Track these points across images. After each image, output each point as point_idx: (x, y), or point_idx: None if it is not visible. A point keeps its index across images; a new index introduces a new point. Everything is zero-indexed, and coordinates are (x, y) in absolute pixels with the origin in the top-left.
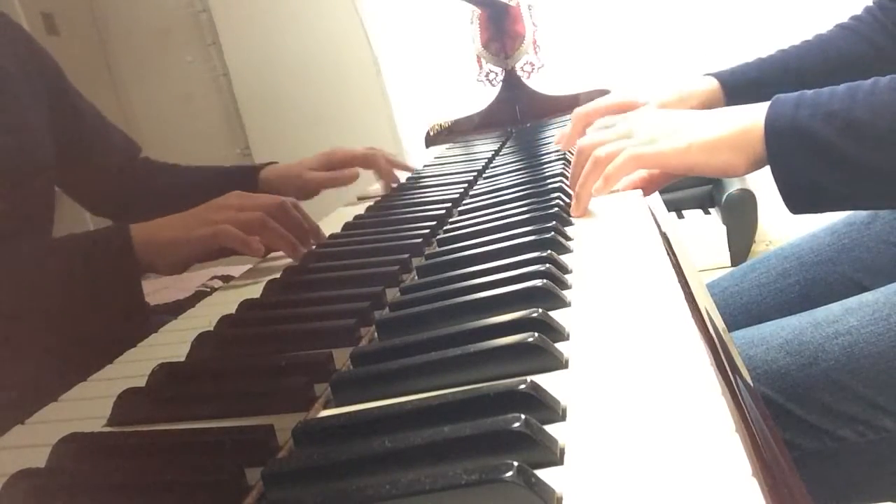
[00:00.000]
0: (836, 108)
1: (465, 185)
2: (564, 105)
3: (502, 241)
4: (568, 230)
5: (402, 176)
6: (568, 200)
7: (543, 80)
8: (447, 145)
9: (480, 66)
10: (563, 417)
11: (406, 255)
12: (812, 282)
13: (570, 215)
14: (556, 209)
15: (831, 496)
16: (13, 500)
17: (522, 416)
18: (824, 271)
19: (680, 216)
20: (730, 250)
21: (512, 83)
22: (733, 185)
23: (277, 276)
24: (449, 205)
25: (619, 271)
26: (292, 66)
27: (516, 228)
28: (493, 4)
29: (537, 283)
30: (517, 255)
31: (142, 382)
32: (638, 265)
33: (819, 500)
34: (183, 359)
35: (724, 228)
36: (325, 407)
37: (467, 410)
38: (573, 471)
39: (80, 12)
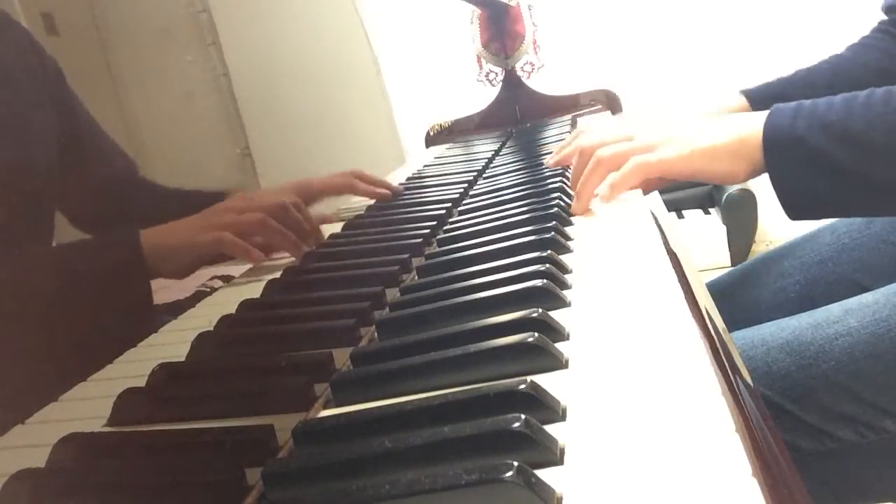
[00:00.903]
0: (832, 118)
1: (465, 185)
2: (564, 105)
3: (502, 241)
4: (568, 230)
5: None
6: (568, 200)
7: (543, 80)
8: (447, 145)
9: (480, 66)
10: (563, 417)
11: (406, 255)
12: (812, 282)
13: (570, 215)
14: (556, 209)
15: (831, 496)
16: (13, 500)
17: (522, 416)
18: (824, 271)
19: (680, 216)
20: (730, 250)
21: (512, 83)
22: (733, 185)
23: (277, 276)
24: (449, 205)
25: (619, 271)
26: (292, 66)
27: (516, 228)
28: (493, 4)
29: (537, 283)
30: (517, 255)
31: (142, 382)
32: (638, 265)
33: (819, 500)
34: (183, 359)
35: (724, 228)
36: (325, 407)
37: (467, 410)
38: (573, 471)
39: (80, 12)
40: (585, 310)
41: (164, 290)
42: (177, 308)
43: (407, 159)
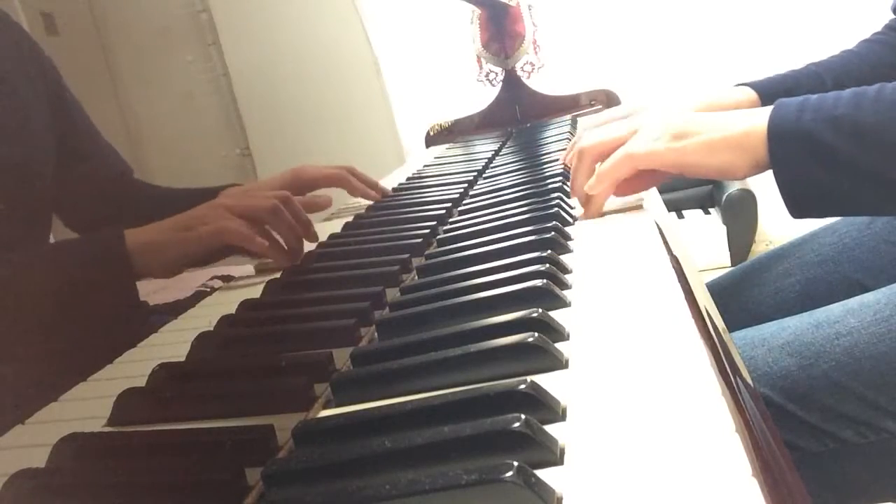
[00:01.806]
0: (841, 112)
1: (465, 185)
2: (564, 105)
3: (502, 241)
4: (568, 230)
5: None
6: (569, 201)
7: (543, 80)
8: (447, 145)
9: (480, 66)
10: (563, 417)
11: (406, 255)
12: (812, 281)
13: (570, 215)
14: (556, 209)
15: (831, 496)
16: (13, 500)
17: (522, 416)
18: (825, 271)
19: (680, 216)
20: (730, 250)
21: (512, 83)
22: (733, 185)
23: (277, 276)
24: (449, 205)
25: (619, 271)
26: (292, 66)
27: (516, 228)
28: (493, 4)
29: (537, 283)
30: (517, 255)
31: (142, 382)
32: (638, 265)
33: (819, 500)
34: (183, 359)
35: (724, 228)
36: (325, 407)
37: (467, 410)
38: (573, 471)
39: (80, 12)
40: (585, 310)
41: (164, 290)
42: (177, 308)
43: (407, 159)
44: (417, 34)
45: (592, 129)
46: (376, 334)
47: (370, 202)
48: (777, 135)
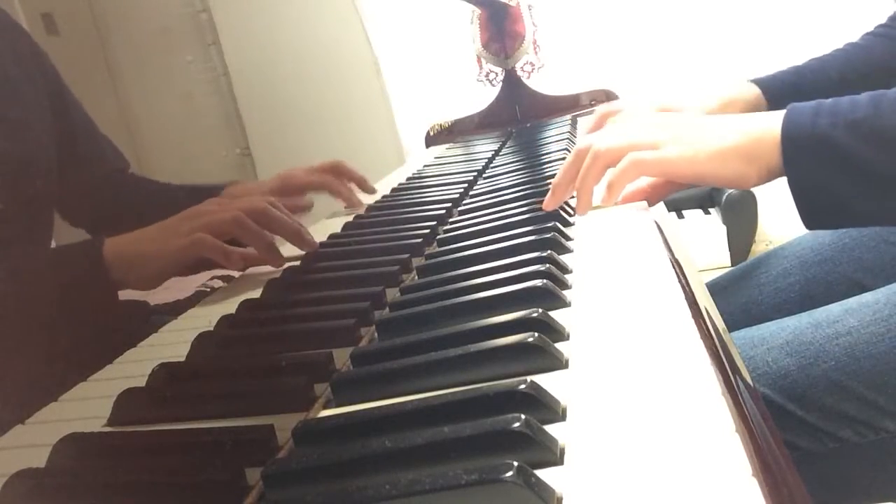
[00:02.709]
0: (859, 116)
1: (465, 185)
2: (564, 105)
3: (502, 241)
4: (568, 230)
5: (372, 198)
6: (568, 200)
7: (543, 80)
8: (447, 145)
9: (480, 66)
10: (563, 417)
11: (406, 255)
12: (812, 281)
13: (570, 215)
14: (556, 209)
15: (831, 496)
16: (13, 500)
17: (522, 416)
18: (825, 271)
19: (680, 216)
20: (730, 250)
21: (512, 83)
22: None
23: (277, 276)
24: (449, 205)
25: (619, 271)
26: (292, 66)
27: (516, 228)
28: (493, 4)
29: (537, 283)
30: (517, 255)
31: (142, 382)
32: (638, 265)
33: (819, 500)
34: (183, 359)
35: (724, 228)
36: (325, 407)
37: (467, 410)
38: (573, 471)
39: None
40: (585, 310)
41: (164, 290)
42: (177, 308)
43: (407, 159)
44: (417, 34)
45: (610, 123)
46: (376, 334)
47: (371, 202)
48: (791, 140)
